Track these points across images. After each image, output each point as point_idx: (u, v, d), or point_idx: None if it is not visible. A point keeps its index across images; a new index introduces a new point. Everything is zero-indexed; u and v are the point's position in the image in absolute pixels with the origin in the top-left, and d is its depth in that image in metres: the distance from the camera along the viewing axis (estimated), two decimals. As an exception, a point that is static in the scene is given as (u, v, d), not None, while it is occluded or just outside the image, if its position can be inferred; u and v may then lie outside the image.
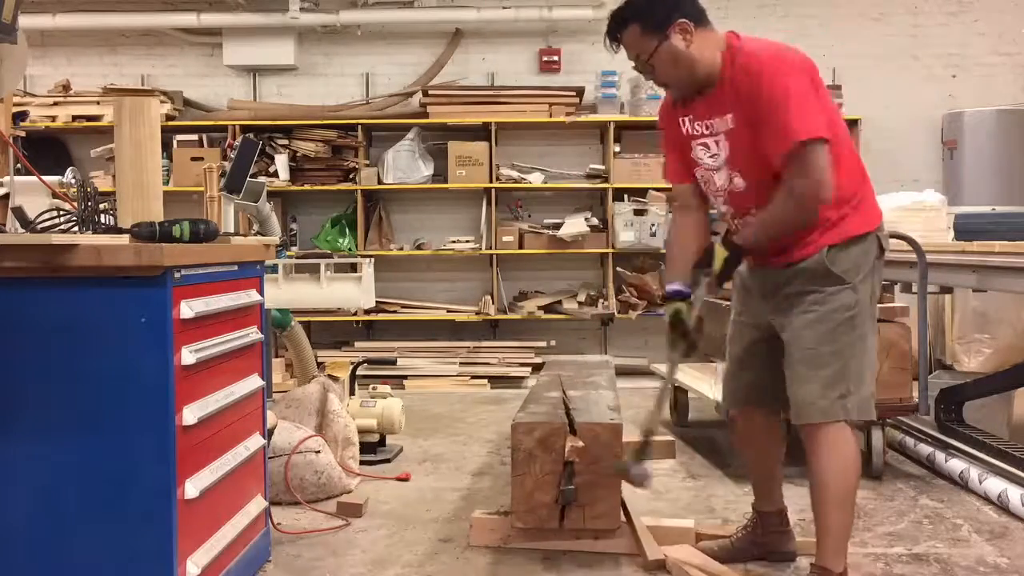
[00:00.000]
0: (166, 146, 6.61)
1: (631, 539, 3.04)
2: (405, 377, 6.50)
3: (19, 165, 2.98)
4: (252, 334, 2.74)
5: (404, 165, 6.95)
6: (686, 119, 2.67)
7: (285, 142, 6.97)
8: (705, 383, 4.53)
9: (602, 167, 7.05)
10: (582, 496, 2.96)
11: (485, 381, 6.56)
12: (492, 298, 6.98)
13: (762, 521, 3.00)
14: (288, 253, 4.61)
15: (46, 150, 6.73)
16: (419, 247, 7.12)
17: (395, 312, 7.02)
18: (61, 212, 2.53)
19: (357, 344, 7.02)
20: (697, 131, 2.65)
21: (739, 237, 2.58)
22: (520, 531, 3.06)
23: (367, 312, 6.68)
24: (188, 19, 7.11)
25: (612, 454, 2.98)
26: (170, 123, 6.87)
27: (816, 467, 2.58)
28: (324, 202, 7.24)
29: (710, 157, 2.64)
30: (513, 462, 3.05)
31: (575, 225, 6.90)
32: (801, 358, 2.58)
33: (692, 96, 2.63)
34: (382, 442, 4.37)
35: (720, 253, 2.56)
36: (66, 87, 7.06)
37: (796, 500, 3.67)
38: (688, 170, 2.74)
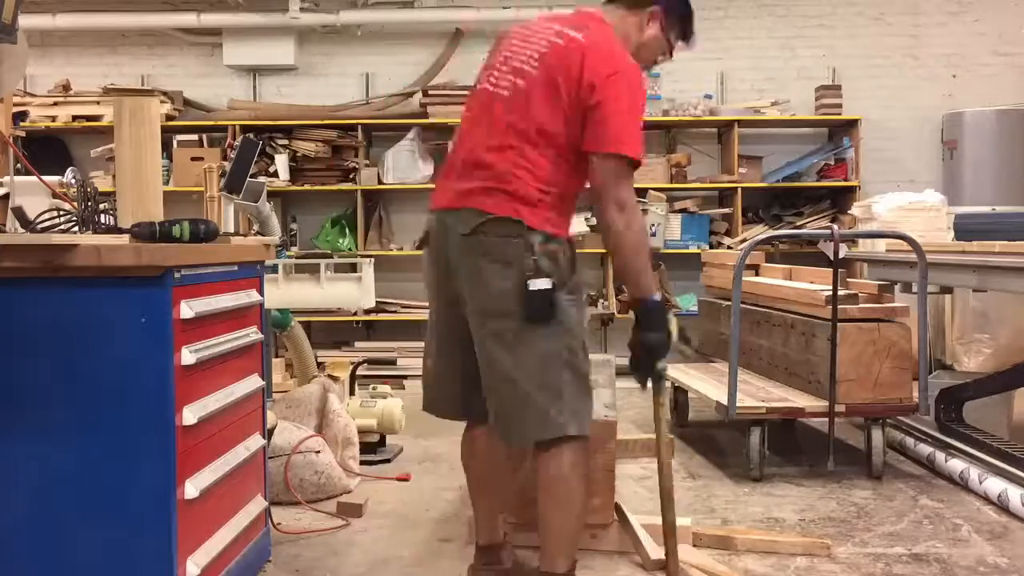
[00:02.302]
0: (166, 146, 6.60)
1: (628, 537, 3.04)
2: (405, 377, 6.48)
3: (19, 165, 2.99)
4: (252, 334, 2.74)
5: (404, 165, 6.95)
6: None
7: (285, 142, 6.97)
8: (705, 383, 4.53)
9: (602, 167, 7.03)
10: None
11: (485, 381, 6.54)
12: (492, 298, 6.96)
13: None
14: (288, 253, 4.60)
15: (46, 150, 6.72)
16: (419, 247, 7.09)
17: (395, 312, 7.01)
18: (61, 212, 2.52)
19: (357, 344, 7.01)
20: None
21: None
22: (516, 528, 3.06)
23: (367, 312, 6.67)
24: (188, 19, 7.10)
25: (606, 450, 2.99)
26: (170, 123, 6.86)
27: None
28: (324, 202, 7.23)
29: None
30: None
31: (575, 225, 6.87)
32: None
33: None
34: (382, 442, 4.37)
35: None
36: (66, 87, 7.06)
37: (797, 500, 3.68)
38: None
